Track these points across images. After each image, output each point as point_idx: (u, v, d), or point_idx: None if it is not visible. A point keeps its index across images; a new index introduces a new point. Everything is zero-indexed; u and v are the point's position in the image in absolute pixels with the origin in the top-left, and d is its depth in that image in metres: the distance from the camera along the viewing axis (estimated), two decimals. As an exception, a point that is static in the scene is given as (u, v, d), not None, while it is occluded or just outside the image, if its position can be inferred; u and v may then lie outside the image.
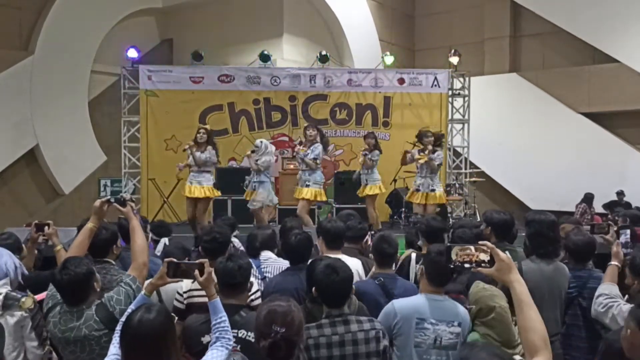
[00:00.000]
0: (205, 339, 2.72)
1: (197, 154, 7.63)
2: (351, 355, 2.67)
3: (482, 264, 1.99)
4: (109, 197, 3.35)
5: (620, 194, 12.08)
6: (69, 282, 2.64)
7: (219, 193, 8.21)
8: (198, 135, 7.71)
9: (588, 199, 11.95)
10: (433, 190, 8.00)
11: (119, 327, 2.37)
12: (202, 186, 7.74)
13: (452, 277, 3.15)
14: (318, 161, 7.94)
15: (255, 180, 8.14)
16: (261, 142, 8.29)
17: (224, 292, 2.87)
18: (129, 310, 2.47)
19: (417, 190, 8.05)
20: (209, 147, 7.72)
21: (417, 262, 4.08)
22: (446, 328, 2.89)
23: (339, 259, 3.08)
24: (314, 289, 2.85)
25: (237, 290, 2.89)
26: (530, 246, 3.77)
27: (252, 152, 8.10)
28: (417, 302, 2.98)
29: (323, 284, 2.78)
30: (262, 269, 4.03)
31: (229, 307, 2.80)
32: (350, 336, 2.69)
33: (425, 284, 3.03)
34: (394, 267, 3.88)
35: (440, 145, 8.11)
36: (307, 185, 7.89)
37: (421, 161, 7.88)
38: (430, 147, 7.85)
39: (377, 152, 8.34)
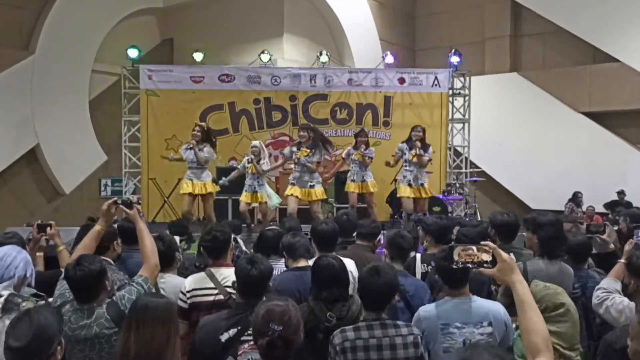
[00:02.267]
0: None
1: (200, 153, 7.74)
2: (389, 359, 2.64)
3: (485, 265, 1.99)
4: (115, 198, 3.36)
5: (621, 193, 12.10)
6: (82, 278, 2.66)
7: (218, 188, 8.35)
8: (193, 133, 7.81)
9: (575, 197, 11.95)
10: (422, 184, 8.07)
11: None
12: (204, 182, 7.86)
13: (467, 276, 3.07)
14: (320, 163, 8.05)
15: (257, 182, 8.16)
16: (259, 143, 8.36)
17: (244, 293, 2.88)
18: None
19: (409, 185, 8.06)
20: (207, 145, 7.82)
21: (422, 263, 4.08)
22: (474, 330, 2.83)
23: (386, 262, 3.07)
24: (355, 289, 2.82)
25: (257, 292, 2.89)
26: (544, 248, 3.74)
27: (253, 155, 8.12)
28: (439, 307, 2.94)
29: (366, 287, 2.75)
30: None
31: (247, 306, 2.80)
32: (388, 340, 2.66)
33: (447, 289, 2.98)
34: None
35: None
36: (312, 187, 7.83)
37: (414, 160, 7.93)
38: (419, 143, 7.92)
39: (372, 149, 8.41)
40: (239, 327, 2.72)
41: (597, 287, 3.38)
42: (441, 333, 2.85)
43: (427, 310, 2.98)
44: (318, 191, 7.87)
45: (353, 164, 8.43)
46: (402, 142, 8.26)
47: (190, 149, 7.78)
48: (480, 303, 2.94)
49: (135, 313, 2.28)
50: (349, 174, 8.61)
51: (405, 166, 8.11)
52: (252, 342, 2.67)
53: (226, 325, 2.73)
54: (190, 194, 7.86)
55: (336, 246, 4.13)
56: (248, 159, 8.18)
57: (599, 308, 3.28)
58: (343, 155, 8.75)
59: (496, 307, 2.94)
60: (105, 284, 2.77)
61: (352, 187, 8.42)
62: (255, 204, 8.39)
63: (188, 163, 7.88)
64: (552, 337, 2.83)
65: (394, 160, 8.32)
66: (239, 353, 2.68)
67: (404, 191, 8.15)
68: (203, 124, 8.14)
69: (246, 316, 2.76)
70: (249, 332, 2.70)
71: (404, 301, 3.33)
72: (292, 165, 8.08)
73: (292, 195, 7.76)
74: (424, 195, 8.10)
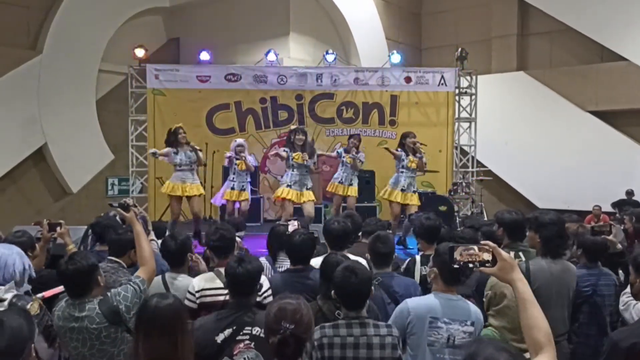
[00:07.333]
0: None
1: (200, 155, 7.78)
2: (365, 358, 2.66)
3: (486, 264, 2.00)
4: (110, 202, 3.42)
5: (630, 193, 12.06)
6: (74, 272, 2.72)
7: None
8: (181, 135, 7.63)
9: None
10: (415, 191, 8.08)
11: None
12: (197, 184, 7.83)
13: (464, 276, 3.14)
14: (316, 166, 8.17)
15: (245, 180, 8.32)
16: (244, 141, 8.50)
17: (233, 292, 2.91)
18: None
19: (403, 190, 7.97)
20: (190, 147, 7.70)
21: (421, 264, 4.08)
22: (459, 327, 2.89)
23: (357, 261, 3.07)
24: (332, 292, 2.83)
25: (246, 292, 2.91)
26: (547, 247, 3.74)
27: (241, 152, 8.20)
28: (430, 301, 2.98)
29: (341, 286, 2.76)
30: (278, 268, 4.04)
31: (239, 306, 2.84)
32: (366, 339, 2.68)
33: (439, 284, 3.01)
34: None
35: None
36: (309, 189, 7.93)
37: (413, 165, 7.90)
38: (419, 145, 7.91)
39: (363, 154, 8.36)
40: (234, 327, 2.75)
41: (623, 292, 3.40)
42: (429, 326, 2.89)
43: (415, 302, 3.01)
44: (311, 193, 7.94)
45: (343, 165, 8.40)
46: (399, 150, 8.10)
47: (192, 150, 7.64)
48: (465, 302, 3.01)
49: (142, 323, 2.33)
50: (336, 175, 8.54)
51: (402, 171, 8.04)
52: (247, 342, 2.71)
53: (221, 325, 2.75)
54: (178, 196, 7.73)
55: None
56: (237, 156, 8.23)
57: (625, 313, 3.32)
58: (333, 155, 8.69)
59: (477, 309, 3.02)
60: (98, 280, 2.82)
61: (337, 188, 8.45)
62: (237, 200, 8.42)
63: (178, 165, 7.67)
64: (503, 332, 2.94)
65: (394, 155, 8.13)
66: (235, 353, 2.72)
67: (395, 195, 8.05)
68: (180, 124, 7.92)
69: (240, 316, 2.79)
70: (244, 331, 2.74)
71: (394, 302, 3.32)
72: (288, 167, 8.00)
73: (287, 198, 7.80)
74: (412, 203, 8.05)
